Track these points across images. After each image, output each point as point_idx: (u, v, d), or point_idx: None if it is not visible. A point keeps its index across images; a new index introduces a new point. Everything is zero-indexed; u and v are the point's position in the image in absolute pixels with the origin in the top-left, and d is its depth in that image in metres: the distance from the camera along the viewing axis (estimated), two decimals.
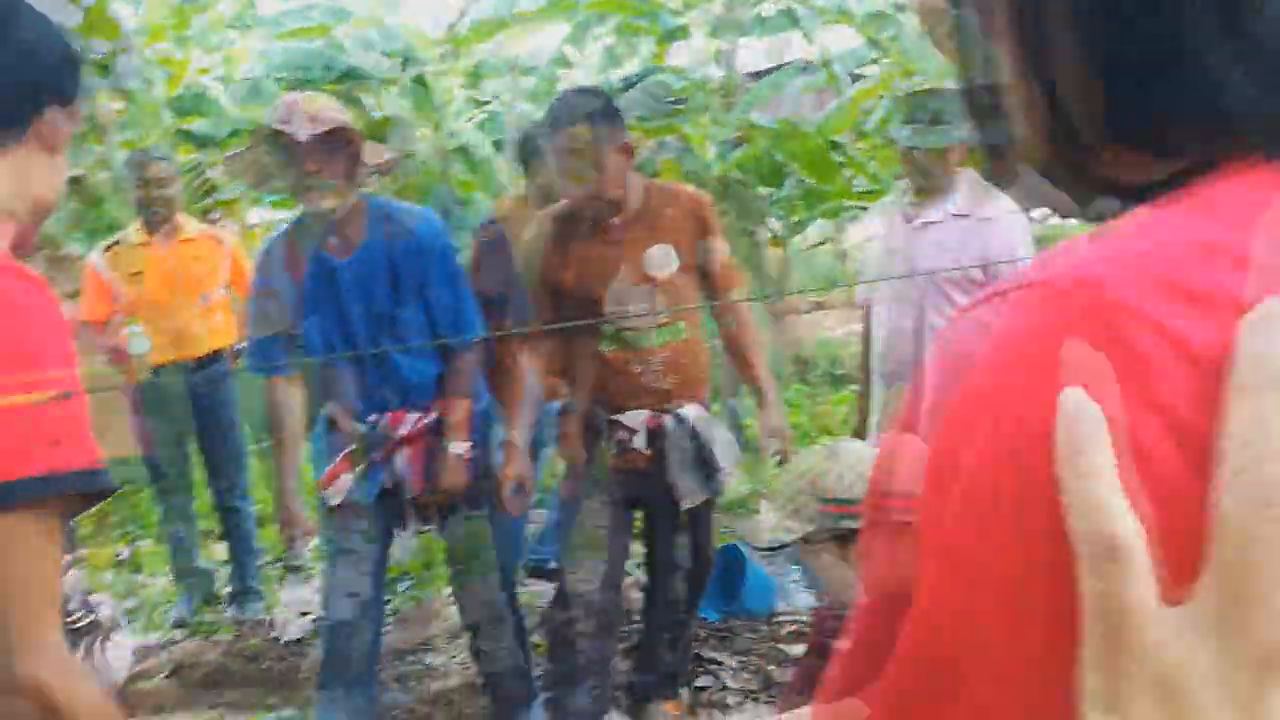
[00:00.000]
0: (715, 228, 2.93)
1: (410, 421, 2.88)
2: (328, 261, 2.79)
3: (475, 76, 9.07)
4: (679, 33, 7.47)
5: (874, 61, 7.50)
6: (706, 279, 2.93)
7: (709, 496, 3.00)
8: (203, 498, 4.52)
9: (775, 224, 8.01)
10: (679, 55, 7.79)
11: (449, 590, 3.40)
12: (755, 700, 3.40)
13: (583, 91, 3.03)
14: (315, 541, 3.83)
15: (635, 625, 3.58)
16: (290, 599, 4.46)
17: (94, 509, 1.12)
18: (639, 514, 3.15)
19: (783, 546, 1.95)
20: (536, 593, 4.13)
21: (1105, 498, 0.34)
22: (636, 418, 2.88)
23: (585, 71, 7.93)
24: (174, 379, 4.12)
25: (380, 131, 7.79)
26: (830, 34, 7.45)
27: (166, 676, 3.84)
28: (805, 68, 7.38)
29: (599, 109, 2.79)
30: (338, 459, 2.90)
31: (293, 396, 2.92)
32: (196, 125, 7.85)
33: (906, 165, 3.16)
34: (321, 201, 2.69)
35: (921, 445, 0.45)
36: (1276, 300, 0.35)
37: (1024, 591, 0.38)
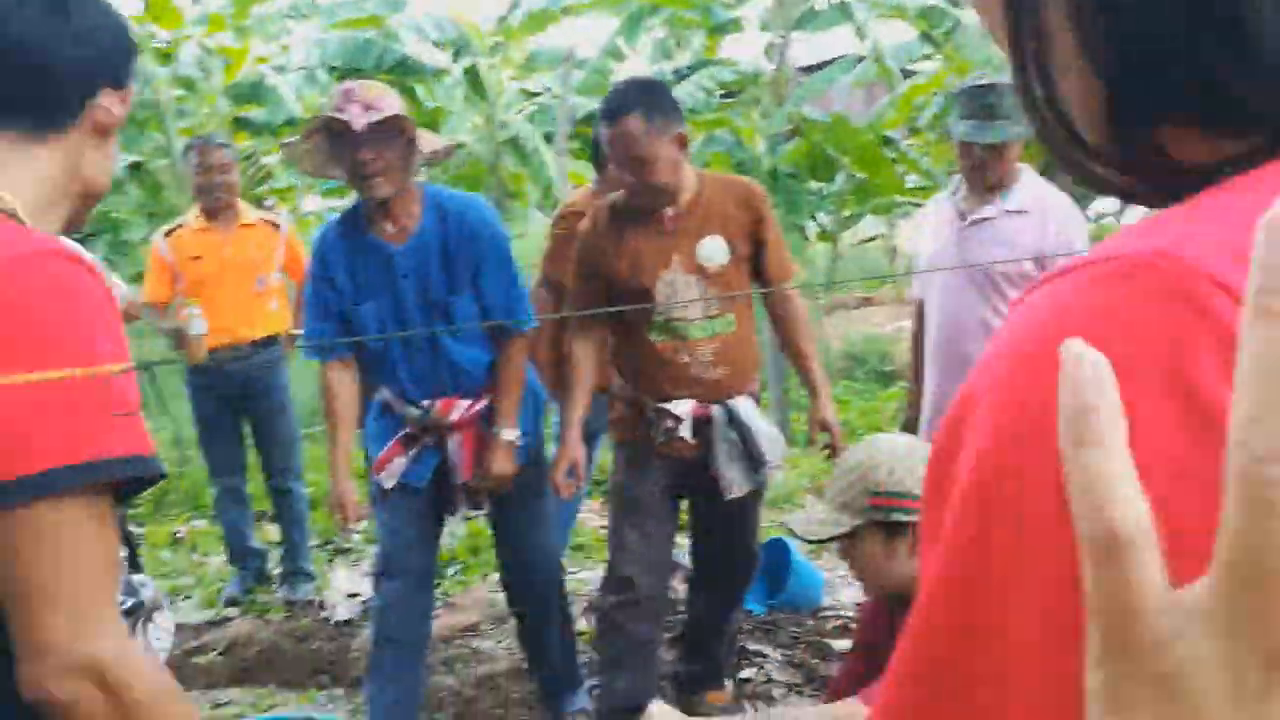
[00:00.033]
0: (769, 220, 2.93)
1: (462, 408, 2.91)
2: (383, 248, 2.82)
3: (527, 68, 9.10)
4: (731, 26, 7.46)
5: (927, 57, 7.44)
6: (759, 271, 2.94)
7: (754, 489, 3.01)
8: (256, 480, 4.60)
9: (825, 219, 7.97)
10: (731, 48, 7.78)
11: (496, 575, 3.43)
12: (800, 693, 3.40)
13: (639, 81, 3.04)
14: (366, 525, 3.88)
15: (680, 615, 3.60)
16: (341, 581, 4.52)
17: (148, 491, 1.11)
18: (685, 504, 3.17)
19: (830, 540, 1.96)
20: (583, 580, 4.16)
21: (1108, 474, 0.30)
22: (683, 407, 2.89)
23: (637, 64, 7.93)
24: (230, 362, 4.20)
25: (432, 122, 7.85)
26: (883, 28, 7.40)
27: (220, 654, 3.92)
28: (858, 62, 7.33)
29: (654, 99, 2.79)
30: (390, 443, 2.94)
31: (346, 381, 2.95)
32: (253, 113, 7.96)
33: (962, 161, 3.13)
34: (376, 189, 2.72)
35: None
36: None
37: (1024, 587, 0.36)
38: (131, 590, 1.45)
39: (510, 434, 2.90)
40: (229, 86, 7.84)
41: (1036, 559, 0.36)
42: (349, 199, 3.22)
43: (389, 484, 2.93)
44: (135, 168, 7.77)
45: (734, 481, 2.94)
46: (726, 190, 2.91)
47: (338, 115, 2.66)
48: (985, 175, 3.07)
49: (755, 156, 6.85)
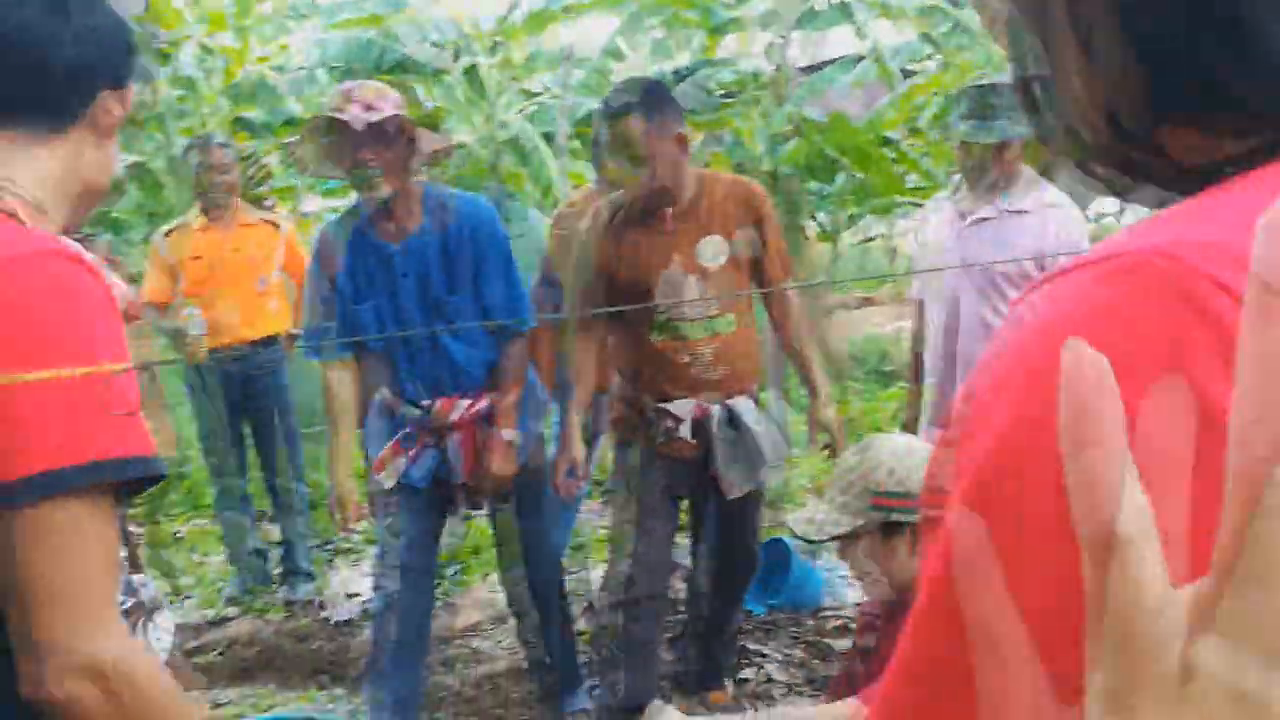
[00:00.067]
0: (769, 219, 2.93)
1: (462, 407, 2.91)
2: (383, 248, 2.82)
3: (526, 68, 9.10)
4: (730, 25, 7.46)
5: (927, 57, 7.44)
6: (759, 271, 2.94)
7: (754, 489, 3.01)
8: (256, 480, 4.60)
9: (825, 219, 7.97)
10: (730, 48, 7.77)
11: (496, 575, 3.43)
12: (800, 694, 3.40)
13: (639, 81, 3.04)
14: (366, 525, 3.89)
15: (680, 615, 3.60)
16: (340, 581, 4.52)
17: (149, 490, 1.11)
18: (684, 504, 3.17)
19: (830, 540, 1.96)
20: (583, 579, 4.16)
21: (1109, 474, 0.30)
22: (683, 407, 2.89)
23: (637, 64, 7.93)
24: (230, 362, 4.20)
25: (432, 122, 7.84)
26: (883, 28, 7.40)
27: (219, 654, 3.92)
28: (858, 62, 7.33)
29: (654, 99, 2.80)
30: (390, 443, 2.94)
31: (346, 381, 2.96)
32: (253, 113, 7.95)
33: (963, 160, 3.13)
34: (376, 189, 2.72)
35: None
36: None
37: (1025, 586, 0.36)
38: (131, 590, 1.44)
39: (510, 434, 2.90)
40: (229, 86, 7.83)
41: (1037, 559, 0.36)
42: (349, 199, 3.22)
43: (389, 484, 2.93)
44: (136, 167, 7.76)
45: (734, 482, 2.94)
46: (727, 190, 2.91)
47: (338, 115, 2.67)
48: (985, 175, 3.08)
49: (755, 156, 6.84)
